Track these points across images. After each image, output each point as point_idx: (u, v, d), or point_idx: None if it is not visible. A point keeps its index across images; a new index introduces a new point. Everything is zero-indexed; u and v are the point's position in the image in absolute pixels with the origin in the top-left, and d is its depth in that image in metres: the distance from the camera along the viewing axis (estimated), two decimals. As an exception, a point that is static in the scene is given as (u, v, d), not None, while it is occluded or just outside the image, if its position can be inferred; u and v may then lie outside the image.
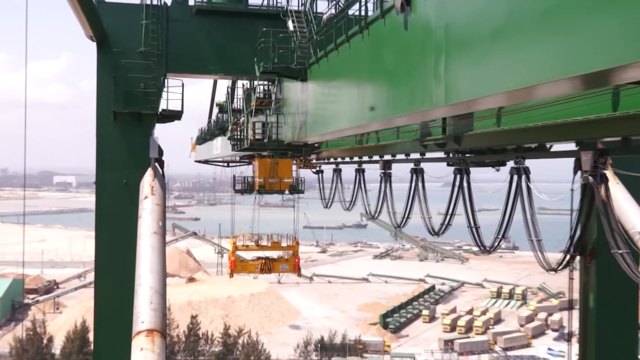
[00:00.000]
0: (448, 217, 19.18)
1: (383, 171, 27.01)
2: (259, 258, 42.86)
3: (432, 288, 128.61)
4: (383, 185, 25.45)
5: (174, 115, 22.97)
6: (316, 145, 25.41)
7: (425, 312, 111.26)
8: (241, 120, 26.47)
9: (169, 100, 22.46)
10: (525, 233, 16.30)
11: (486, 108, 11.58)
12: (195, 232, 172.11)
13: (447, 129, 16.51)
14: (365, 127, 14.15)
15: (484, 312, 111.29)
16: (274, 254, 43.38)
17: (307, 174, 42.35)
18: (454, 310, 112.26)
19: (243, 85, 27.90)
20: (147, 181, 21.12)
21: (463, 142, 16.79)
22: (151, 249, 18.03)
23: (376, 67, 12.36)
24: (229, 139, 29.29)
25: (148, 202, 20.13)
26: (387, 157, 26.27)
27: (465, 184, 18.97)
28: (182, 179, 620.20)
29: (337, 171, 37.65)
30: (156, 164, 22.13)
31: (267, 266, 41.99)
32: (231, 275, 44.69)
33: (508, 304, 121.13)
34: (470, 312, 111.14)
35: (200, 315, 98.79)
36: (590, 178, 14.96)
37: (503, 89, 7.48)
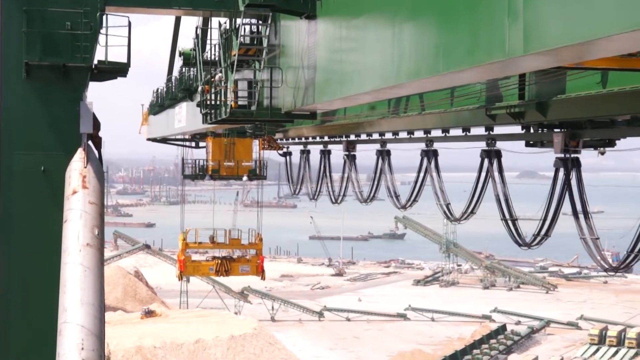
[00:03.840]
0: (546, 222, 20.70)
1: (347, 153, 35.93)
2: (214, 258, 50.30)
3: (503, 329, 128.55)
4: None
5: (116, 70, 22.93)
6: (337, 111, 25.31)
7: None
8: (217, 77, 26.43)
9: (108, 47, 22.43)
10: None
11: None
12: (147, 244, 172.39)
13: (527, 92, 16.44)
14: (402, 87, 14.10)
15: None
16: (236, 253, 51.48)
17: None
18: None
19: (220, 24, 27.84)
20: (76, 168, 21.14)
21: (550, 110, 16.72)
22: (82, 269, 18.06)
23: (421, -2, 12.30)
24: (198, 105, 29.27)
25: (78, 200, 20.15)
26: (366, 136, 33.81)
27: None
28: (128, 165, 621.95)
29: (306, 153, 44.23)
30: (89, 142, 22.14)
31: (224, 267, 49.05)
32: (180, 278, 52.86)
33: (616, 353, 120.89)
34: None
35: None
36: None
37: (618, 29, 7.39)
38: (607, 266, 19.87)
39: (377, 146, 33.59)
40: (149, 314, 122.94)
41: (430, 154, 28.20)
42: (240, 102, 23.16)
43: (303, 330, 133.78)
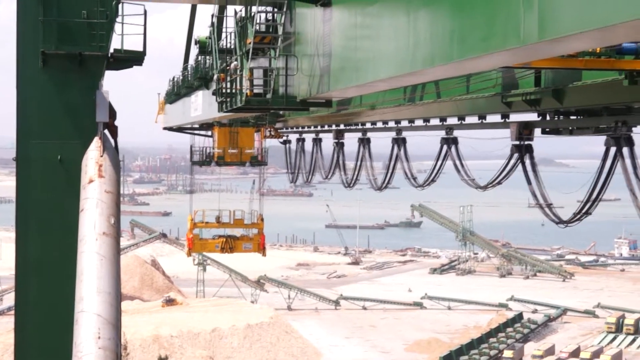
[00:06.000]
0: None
1: (336, 140, 41.15)
2: (219, 236, 55.12)
3: (519, 317, 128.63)
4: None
5: (132, 59, 22.96)
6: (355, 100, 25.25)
7: (508, 353, 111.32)
8: (232, 65, 26.43)
9: (124, 35, 22.47)
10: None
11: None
12: (164, 233, 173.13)
13: (543, 79, 16.37)
14: (417, 74, 14.08)
15: (596, 354, 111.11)
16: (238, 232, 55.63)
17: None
18: (551, 351, 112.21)
19: (236, 12, 27.83)
20: (93, 157, 21.21)
21: (566, 97, 16.66)
22: (99, 258, 18.13)
23: (435, -15, 12.26)
24: (214, 93, 29.27)
25: (94, 189, 20.22)
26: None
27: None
28: (144, 154, 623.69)
29: (301, 141, 48.59)
30: (106, 131, 22.19)
31: (229, 245, 54.13)
32: (189, 254, 58.69)
33: (634, 341, 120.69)
34: (576, 353, 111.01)
35: (173, 358, 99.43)
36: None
37: (634, 15, 7.35)
38: (557, 220, 22.69)
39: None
40: (170, 302, 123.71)
41: (400, 142, 34.31)
42: (255, 90, 23.15)
43: (319, 319, 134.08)
